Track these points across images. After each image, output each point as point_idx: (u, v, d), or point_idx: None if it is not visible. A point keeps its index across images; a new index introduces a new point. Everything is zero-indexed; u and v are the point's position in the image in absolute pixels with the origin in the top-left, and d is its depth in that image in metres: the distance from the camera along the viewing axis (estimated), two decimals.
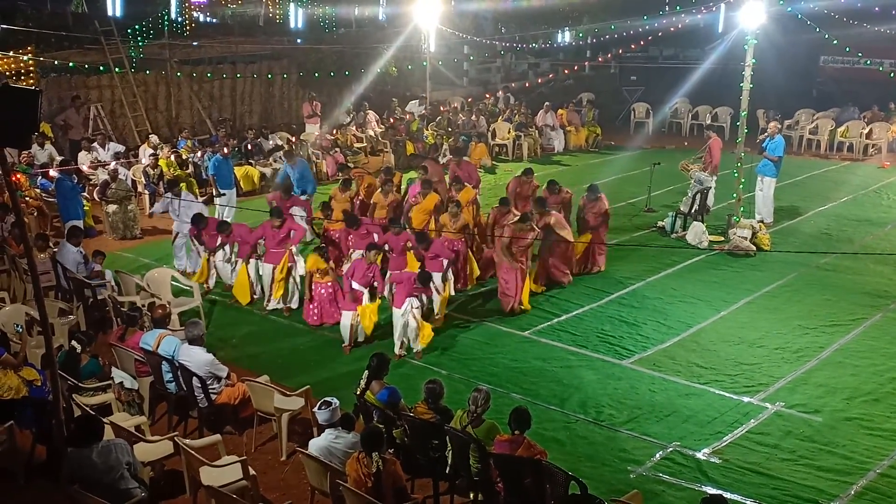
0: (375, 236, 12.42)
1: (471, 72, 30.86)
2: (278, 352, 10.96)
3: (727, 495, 7.35)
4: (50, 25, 20.85)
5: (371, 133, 23.15)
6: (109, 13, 23.01)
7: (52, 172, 15.62)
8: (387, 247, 11.94)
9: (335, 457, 7.18)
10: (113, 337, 9.83)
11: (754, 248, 14.44)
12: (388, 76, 26.77)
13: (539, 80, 29.15)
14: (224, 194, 15.97)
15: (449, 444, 7.48)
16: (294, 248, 12.44)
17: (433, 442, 7.58)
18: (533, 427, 7.20)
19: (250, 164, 19.20)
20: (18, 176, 15.24)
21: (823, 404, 9.41)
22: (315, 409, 7.60)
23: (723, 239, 15.01)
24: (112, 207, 15.63)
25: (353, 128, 23.01)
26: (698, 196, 15.58)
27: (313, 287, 11.56)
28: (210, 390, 8.70)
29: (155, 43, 22.20)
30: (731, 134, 23.85)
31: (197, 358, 8.70)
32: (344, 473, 6.84)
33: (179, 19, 24.09)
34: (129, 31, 21.71)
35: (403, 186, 15.73)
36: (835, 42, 18.68)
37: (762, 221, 15.65)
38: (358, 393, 8.16)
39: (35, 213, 15.41)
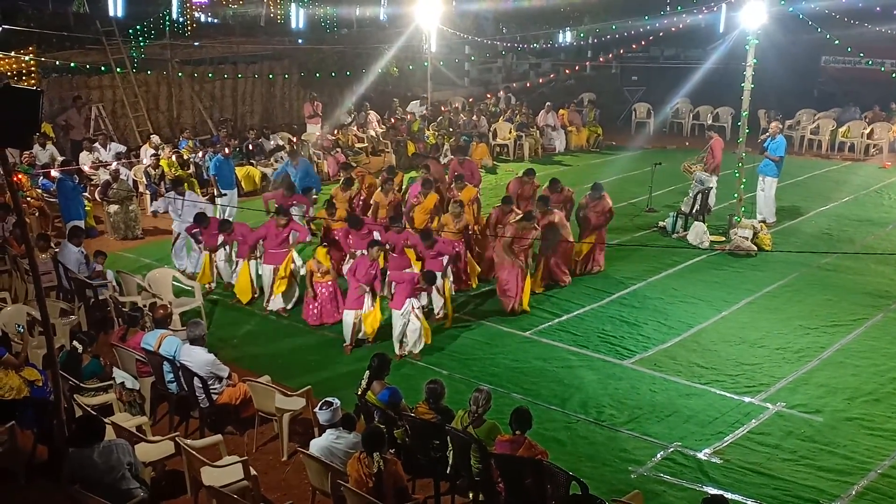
0: (376, 235, 12.42)
1: (472, 72, 30.86)
2: (279, 352, 10.96)
3: (728, 495, 7.35)
4: (51, 26, 20.87)
5: (372, 133, 23.18)
6: (111, 13, 23.01)
7: (54, 173, 15.65)
8: (388, 246, 11.93)
9: (336, 457, 7.19)
10: (114, 337, 9.84)
11: (755, 248, 14.43)
12: (390, 76, 26.79)
13: (540, 81, 29.17)
14: (225, 194, 16.00)
15: (450, 445, 7.48)
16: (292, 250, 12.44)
17: (434, 442, 7.59)
18: (534, 427, 7.21)
19: (251, 164, 19.21)
20: (20, 176, 15.26)
21: (824, 404, 9.41)
22: (316, 410, 7.61)
23: (724, 239, 15.01)
24: (113, 208, 15.65)
25: (355, 128, 23.05)
26: (699, 196, 15.58)
27: (314, 286, 11.55)
28: (211, 390, 8.71)
29: (156, 43, 22.22)
30: (732, 134, 23.83)
31: (198, 358, 8.71)
32: (345, 473, 6.85)
33: (181, 19, 24.10)
34: (130, 31, 21.72)
35: (405, 186, 15.73)
36: (836, 42, 18.65)
37: (763, 221, 15.65)
38: (359, 393, 8.17)
39: (36, 214, 15.44)
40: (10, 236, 12.89)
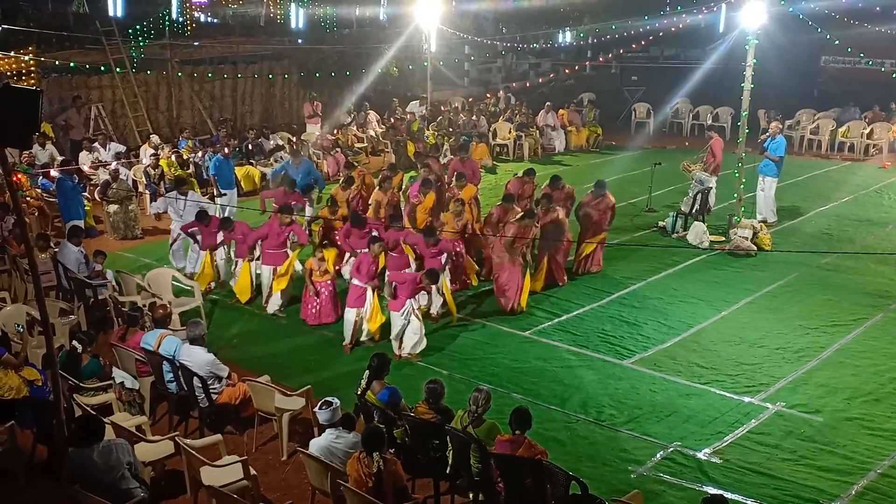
0: (374, 234, 12.40)
1: (472, 72, 30.85)
2: (279, 351, 10.96)
3: (728, 495, 7.35)
4: (51, 25, 20.89)
5: (372, 133, 23.19)
6: (110, 13, 23.03)
7: (53, 172, 15.65)
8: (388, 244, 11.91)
9: (336, 457, 7.18)
10: (114, 337, 9.84)
11: (755, 248, 14.43)
12: (389, 76, 26.78)
13: (540, 80, 29.17)
14: (225, 194, 15.99)
15: (450, 444, 7.47)
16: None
17: (434, 442, 7.58)
18: (533, 427, 7.20)
19: (251, 164, 19.21)
20: (19, 176, 15.25)
21: (824, 404, 9.41)
22: (316, 409, 7.61)
23: (724, 239, 15.01)
24: (113, 207, 15.64)
25: (354, 128, 23.05)
26: (699, 196, 15.58)
27: (314, 286, 11.54)
28: (211, 390, 8.70)
29: (156, 43, 22.22)
30: (732, 134, 23.83)
31: (198, 358, 8.71)
32: (345, 473, 6.85)
33: (180, 19, 24.12)
34: (129, 31, 21.73)
35: (405, 185, 15.73)
36: (836, 42, 18.65)
37: (764, 221, 15.66)
38: (359, 393, 8.16)
39: (36, 213, 15.43)
40: (10, 236, 12.88)
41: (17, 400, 8.24)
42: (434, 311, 11.67)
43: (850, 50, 23.03)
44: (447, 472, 7.58)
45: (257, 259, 12.32)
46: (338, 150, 20.99)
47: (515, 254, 11.87)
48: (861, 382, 9.91)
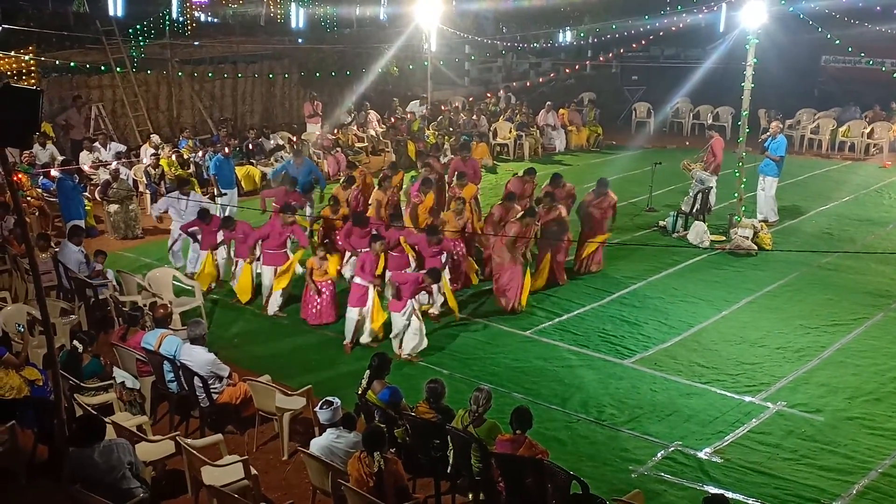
0: (374, 233, 12.39)
1: (472, 71, 30.85)
2: (280, 351, 10.96)
3: (729, 495, 7.36)
4: (51, 25, 20.89)
5: (372, 133, 23.19)
6: (111, 13, 23.04)
7: (54, 172, 15.65)
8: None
9: (337, 456, 7.18)
10: (114, 337, 9.84)
11: (756, 247, 14.43)
12: (390, 76, 26.77)
13: (540, 80, 29.15)
14: (225, 194, 15.99)
15: (450, 444, 7.47)
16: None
17: (435, 441, 7.58)
18: (534, 427, 7.21)
19: (251, 163, 19.21)
20: (20, 176, 15.25)
21: (825, 404, 9.41)
22: (316, 409, 7.61)
23: (724, 238, 15.00)
24: (113, 207, 15.64)
25: (355, 127, 23.05)
26: (700, 196, 15.58)
27: (316, 285, 11.54)
28: (212, 390, 8.70)
29: (156, 43, 22.22)
30: (732, 133, 23.82)
31: (198, 357, 8.71)
32: (345, 473, 6.85)
33: (181, 19, 24.13)
34: (130, 30, 21.73)
35: (406, 185, 15.73)
36: (836, 42, 18.63)
37: (765, 221, 15.65)
38: (359, 392, 8.16)
39: (37, 213, 15.43)
40: (11, 236, 12.88)
41: (17, 400, 8.25)
42: (434, 310, 11.67)
43: (850, 49, 23.01)
44: (448, 471, 7.57)
45: (258, 259, 12.31)
46: (338, 149, 20.99)
47: (517, 253, 11.88)
48: (862, 382, 9.91)
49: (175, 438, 7.82)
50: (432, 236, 11.49)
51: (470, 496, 7.57)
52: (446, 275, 11.87)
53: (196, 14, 25.31)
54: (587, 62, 31.21)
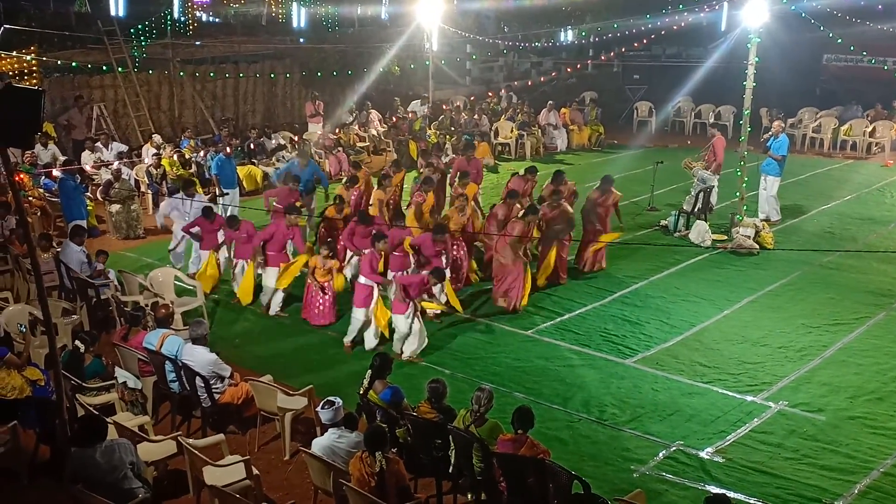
0: (375, 232, 12.37)
1: (473, 71, 30.84)
2: (281, 351, 10.96)
3: (731, 494, 7.37)
4: (53, 25, 20.90)
5: (374, 132, 23.18)
6: (112, 13, 23.02)
7: (56, 172, 15.66)
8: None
9: (338, 456, 7.19)
10: (116, 337, 9.84)
11: (757, 246, 14.42)
12: (391, 75, 26.77)
13: (542, 79, 29.12)
14: (227, 194, 16.00)
15: (452, 444, 7.47)
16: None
17: (436, 441, 7.58)
18: (536, 426, 7.21)
19: (253, 163, 19.22)
20: (22, 176, 15.27)
21: (827, 403, 9.40)
22: (318, 409, 7.61)
23: (726, 237, 14.99)
24: (115, 207, 15.66)
25: (356, 127, 23.04)
26: (701, 195, 15.57)
27: (321, 284, 11.54)
28: (213, 390, 8.71)
29: (158, 42, 22.23)
30: (734, 132, 23.79)
31: (200, 357, 8.71)
32: (347, 473, 6.85)
33: (182, 19, 24.13)
34: (131, 30, 21.74)
35: (409, 185, 15.73)
36: (838, 40, 18.65)
37: (766, 220, 15.64)
38: (361, 392, 8.17)
39: (38, 213, 15.45)
40: (12, 236, 12.89)
41: (19, 400, 8.26)
42: (431, 308, 11.64)
43: (852, 48, 22.99)
44: (449, 471, 7.58)
45: (260, 263, 12.27)
46: (340, 149, 20.98)
47: (520, 252, 11.88)
48: (864, 381, 9.90)
49: (177, 438, 7.82)
50: (439, 235, 11.48)
51: (470, 496, 7.57)
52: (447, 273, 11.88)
53: (197, 14, 25.32)
54: (589, 61, 31.19)
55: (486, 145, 21.81)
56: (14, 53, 18.88)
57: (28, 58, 18.99)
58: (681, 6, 23.21)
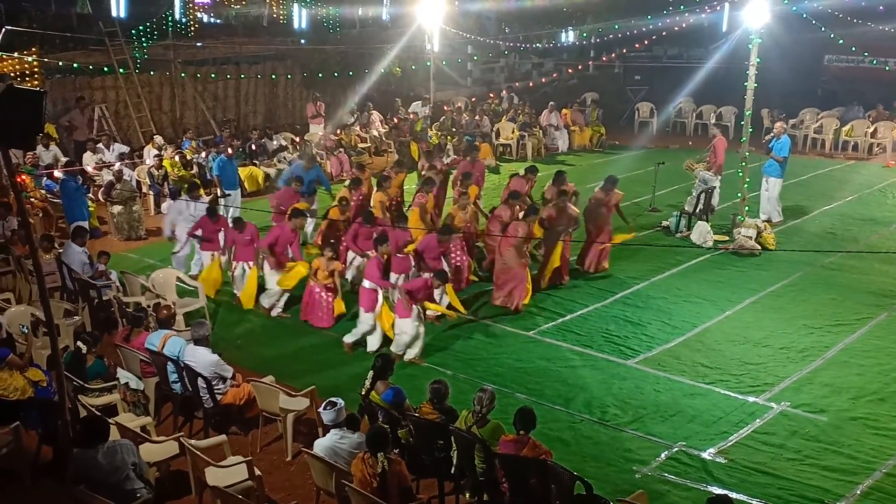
0: (376, 236, 12.36)
1: (474, 72, 30.85)
2: (283, 352, 10.96)
3: (733, 495, 7.36)
4: (54, 27, 20.91)
5: (375, 133, 23.20)
6: (113, 14, 23.02)
7: (57, 173, 15.68)
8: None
9: (340, 457, 7.19)
10: (118, 338, 9.85)
11: (759, 247, 14.42)
12: (392, 76, 26.79)
13: (543, 80, 29.13)
14: (228, 195, 15.99)
15: (454, 445, 7.47)
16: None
17: (438, 442, 7.58)
18: (538, 427, 7.21)
19: (255, 164, 19.24)
20: (23, 177, 15.28)
21: (829, 404, 9.40)
22: (320, 410, 7.61)
23: (727, 238, 14.99)
24: (117, 208, 15.67)
25: (357, 128, 23.05)
26: (703, 195, 15.56)
27: (324, 284, 11.53)
28: (215, 391, 8.71)
29: (159, 44, 22.24)
30: (735, 133, 23.78)
31: (202, 358, 8.72)
32: (349, 474, 6.85)
33: (183, 20, 24.11)
34: (133, 31, 21.74)
35: (409, 186, 15.72)
36: (840, 41, 18.63)
37: (768, 221, 15.63)
38: (363, 393, 8.17)
39: (40, 215, 15.45)
40: (14, 237, 12.90)
41: (21, 401, 8.26)
42: (431, 313, 11.62)
43: (853, 49, 23.01)
44: (451, 472, 7.58)
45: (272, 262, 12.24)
46: (341, 150, 21.00)
47: (523, 253, 11.89)
48: (866, 382, 9.90)
49: (179, 439, 7.83)
50: (444, 235, 11.47)
51: (473, 497, 7.55)
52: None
53: (199, 15, 25.29)
54: (590, 62, 31.21)
55: (487, 146, 21.82)
56: (15, 55, 18.89)
57: (29, 59, 18.99)
58: (682, 7, 23.21)
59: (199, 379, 8.63)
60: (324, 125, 22.44)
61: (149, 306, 11.10)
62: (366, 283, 10.83)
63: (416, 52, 25.87)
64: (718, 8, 22.30)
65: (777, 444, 8.62)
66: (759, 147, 17.17)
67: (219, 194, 16.06)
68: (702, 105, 26.58)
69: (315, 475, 7.44)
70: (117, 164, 16.54)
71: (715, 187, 16.01)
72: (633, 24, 24.29)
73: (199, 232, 12.67)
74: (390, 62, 25.58)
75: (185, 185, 15.04)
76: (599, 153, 24.09)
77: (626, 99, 29.05)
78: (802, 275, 13.44)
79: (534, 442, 7.00)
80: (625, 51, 25.89)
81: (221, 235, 12.72)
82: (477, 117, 23.33)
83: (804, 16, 17.41)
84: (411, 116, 23.67)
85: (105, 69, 20.85)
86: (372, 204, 14.12)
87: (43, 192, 16.13)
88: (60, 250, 12.16)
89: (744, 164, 15.12)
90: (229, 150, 16.77)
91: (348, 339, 10.87)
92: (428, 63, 24.34)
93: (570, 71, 29.48)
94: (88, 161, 17.40)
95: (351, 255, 12.62)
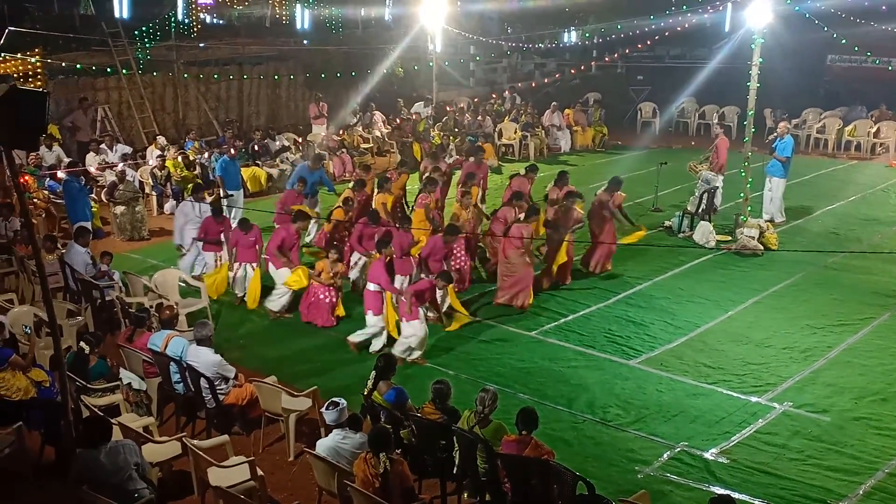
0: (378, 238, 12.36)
1: (477, 72, 30.85)
2: (286, 352, 10.96)
3: (735, 495, 7.33)
4: (57, 27, 20.94)
5: (377, 134, 23.20)
6: (116, 15, 23.10)
7: (60, 174, 15.68)
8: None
9: (343, 457, 7.19)
10: (121, 338, 9.86)
11: (762, 247, 14.41)
12: (395, 77, 26.80)
13: (545, 80, 29.13)
14: (231, 195, 16.00)
15: (456, 445, 7.48)
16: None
17: (440, 442, 7.59)
18: (540, 427, 7.21)
19: (257, 165, 19.25)
20: (26, 178, 15.30)
21: (831, 404, 9.39)
22: (322, 410, 7.61)
23: (730, 238, 14.98)
24: (120, 209, 15.69)
25: (360, 128, 23.06)
26: (705, 195, 15.55)
27: (327, 284, 11.52)
28: (218, 391, 8.72)
29: (162, 44, 22.26)
30: (738, 133, 23.75)
31: (205, 359, 8.72)
32: (351, 474, 6.85)
33: (186, 21, 24.18)
34: (136, 32, 21.77)
35: (411, 186, 15.72)
36: (842, 41, 18.61)
37: (770, 221, 15.62)
38: (365, 393, 8.17)
39: (43, 215, 15.48)
40: (17, 237, 12.92)
41: (24, 401, 8.28)
42: (432, 314, 11.61)
43: (856, 49, 22.99)
44: (454, 472, 7.58)
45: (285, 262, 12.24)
46: (343, 150, 21.02)
47: (528, 255, 11.90)
48: (868, 382, 9.88)
49: (181, 439, 7.83)
50: (450, 236, 11.47)
51: (475, 497, 7.56)
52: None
53: (201, 16, 25.36)
54: (592, 62, 31.13)
55: (490, 146, 21.82)
56: (19, 55, 18.90)
57: (33, 60, 19.01)
58: (685, 7, 23.19)
59: (202, 379, 8.64)
60: (326, 126, 22.46)
61: (151, 306, 11.11)
62: (371, 286, 10.79)
63: (418, 52, 25.89)
64: (721, 8, 22.28)
65: (780, 444, 8.61)
66: (762, 147, 17.14)
67: (221, 195, 16.08)
68: (704, 105, 26.57)
69: (317, 475, 7.45)
70: (120, 165, 16.55)
71: (717, 187, 16.00)
72: (636, 25, 24.26)
73: (204, 235, 12.68)
74: (393, 63, 25.60)
75: (190, 186, 15.06)
76: (602, 153, 24.09)
77: (629, 99, 29.05)
78: (805, 275, 13.43)
79: (536, 442, 7.00)
80: (627, 51, 25.83)
81: (221, 236, 12.72)
82: (479, 118, 23.34)
83: (807, 16, 17.40)
84: (414, 117, 23.68)
85: (108, 70, 20.86)
86: (374, 205, 14.13)
87: (46, 192, 16.15)
88: (63, 251, 12.18)
89: (746, 164, 15.11)
90: (232, 151, 16.80)
91: (354, 338, 10.86)
92: (430, 63, 24.32)
93: (572, 71, 29.47)
94: (91, 162, 17.41)
95: (355, 256, 12.62)
